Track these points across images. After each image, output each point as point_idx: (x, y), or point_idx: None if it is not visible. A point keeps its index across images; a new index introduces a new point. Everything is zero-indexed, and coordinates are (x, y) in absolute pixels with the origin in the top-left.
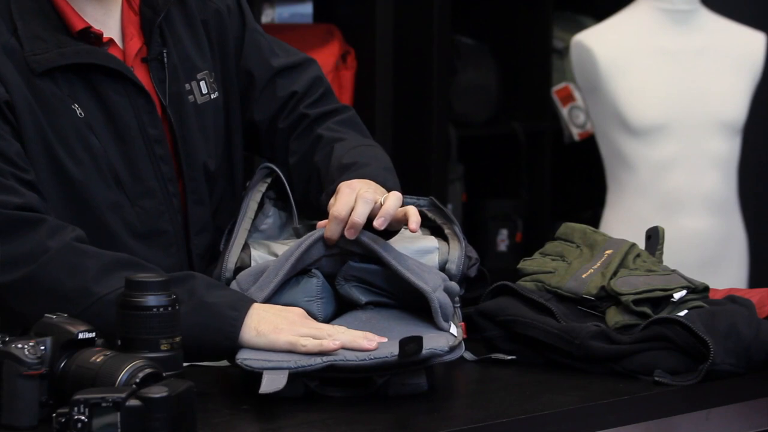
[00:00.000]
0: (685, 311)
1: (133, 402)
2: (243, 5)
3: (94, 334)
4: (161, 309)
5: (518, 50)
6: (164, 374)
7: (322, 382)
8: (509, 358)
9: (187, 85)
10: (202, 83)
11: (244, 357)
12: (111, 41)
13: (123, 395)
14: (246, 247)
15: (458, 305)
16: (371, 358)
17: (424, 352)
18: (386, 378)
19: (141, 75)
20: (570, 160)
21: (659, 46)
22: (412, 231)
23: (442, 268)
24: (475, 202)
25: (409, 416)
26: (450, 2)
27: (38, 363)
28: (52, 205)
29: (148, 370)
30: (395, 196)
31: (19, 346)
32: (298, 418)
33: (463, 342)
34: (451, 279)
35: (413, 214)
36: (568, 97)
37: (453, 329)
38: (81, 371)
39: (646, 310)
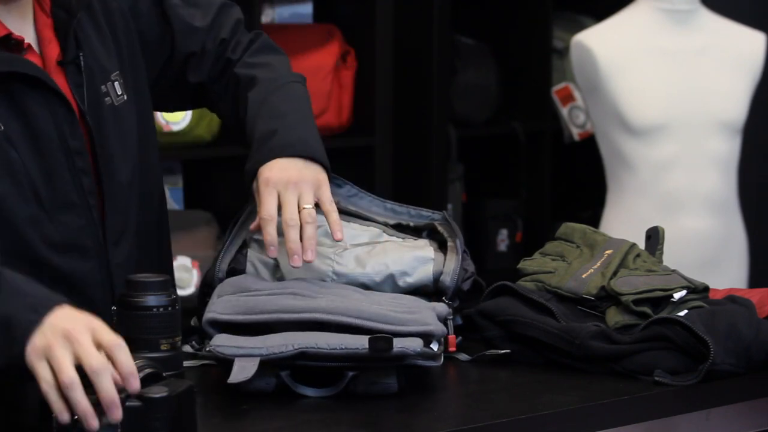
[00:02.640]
0: (685, 311)
1: (133, 402)
2: None
3: None
4: (161, 309)
5: (518, 50)
6: (164, 374)
7: (293, 377)
8: (503, 351)
9: (103, 87)
10: (116, 84)
11: (217, 344)
12: (29, 47)
13: (123, 395)
14: (243, 246)
15: (451, 318)
16: (342, 348)
17: (395, 349)
18: (356, 374)
19: (59, 81)
20: (570, 160)
21: (659, 46)
22: (337, 240)
23: (437, 279)
24: (475, 202)
25: (409, 416)
26: (450, 2)
27: None
28: None
29: (148, 370)
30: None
31: None
32: (297, 418)
33: (442, 355)
34: (445, 290)
35: (334, 223)
36: (568, 97)
37: (434, 345)
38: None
39: (646, 310)
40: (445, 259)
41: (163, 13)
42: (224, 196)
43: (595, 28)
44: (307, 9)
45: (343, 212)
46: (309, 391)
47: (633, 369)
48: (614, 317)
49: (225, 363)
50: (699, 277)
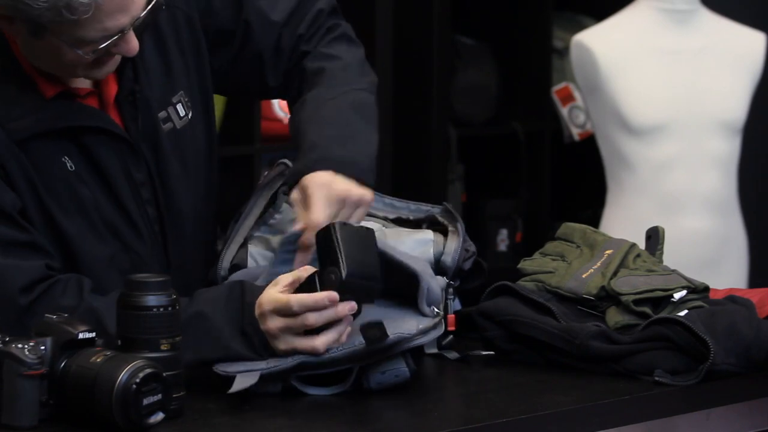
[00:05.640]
0: (685, 311)
1: None
2: None
3: (94, 334)
4: (161, 309)
5: (518, 50)
6: (164, 374)
7: (301, 380)
8: (485, 353)
9: (162, 113)
10: (179, 106)
11: (220, 364)
12: (89, 93)
13: None
14: (244, 244)
15: (452, 297)
16: (339, 350)
17: (391, 336)
18: (363, 367)
19: (115, 116)
20: (570, 160)
21: (659, 46)
22: None
23: (438, 259)
24: (475, 202)
25: (409, 416)
26: (450, 2)
27: (38, 363)
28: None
29: (148, 370)
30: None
31: (19, 346)
32: (298, 418)
33: (442, 324)
34: (445, 270)
35: None
36: (568, 97)
37: (429, 311)
38: (81, 371)
39: (647, 310)
40: (445, 241)
41: (240, 6)
42: (225, 195)
43: (595, 28)
44: None
45: None
46: (319, 391)
47: (633, 369)
48: (614, 317)
49: (227, 380)
50: (699, 277)
